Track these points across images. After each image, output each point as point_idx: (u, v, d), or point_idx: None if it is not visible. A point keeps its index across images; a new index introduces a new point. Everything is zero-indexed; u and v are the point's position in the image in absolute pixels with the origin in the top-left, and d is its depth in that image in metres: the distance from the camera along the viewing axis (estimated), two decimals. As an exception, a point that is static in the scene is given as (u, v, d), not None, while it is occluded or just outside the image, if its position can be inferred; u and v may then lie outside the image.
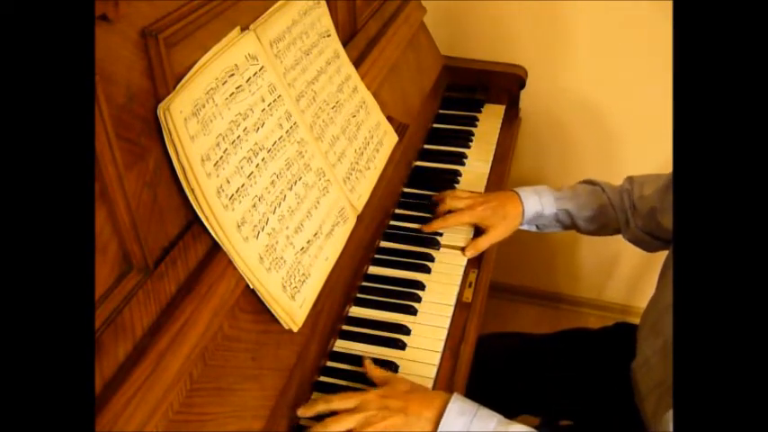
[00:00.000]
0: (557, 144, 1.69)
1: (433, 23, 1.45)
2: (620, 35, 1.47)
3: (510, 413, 1.04)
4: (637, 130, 1.60)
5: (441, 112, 1.45)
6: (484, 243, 1.09)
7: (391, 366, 0.89)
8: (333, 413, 0.79)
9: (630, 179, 1.11)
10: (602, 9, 1.45)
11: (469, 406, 0.78)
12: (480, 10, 1.53)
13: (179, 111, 0.66)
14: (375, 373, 0.86)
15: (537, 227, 1.17)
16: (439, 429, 0.76)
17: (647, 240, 1.09)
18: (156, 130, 0.66)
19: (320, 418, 0.80)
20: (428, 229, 1.11)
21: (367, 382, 0.86)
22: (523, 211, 1.11)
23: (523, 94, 1.50)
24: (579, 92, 1.59)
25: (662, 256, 1.01)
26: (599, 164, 1.68)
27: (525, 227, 1.15)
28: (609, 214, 1.11)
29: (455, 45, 1.55)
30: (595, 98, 1.59)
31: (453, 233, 1.12)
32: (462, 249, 1.08)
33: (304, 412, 0.81)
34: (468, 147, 1.34)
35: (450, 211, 1.11)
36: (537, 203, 1.11)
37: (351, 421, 0.77)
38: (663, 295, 0.91)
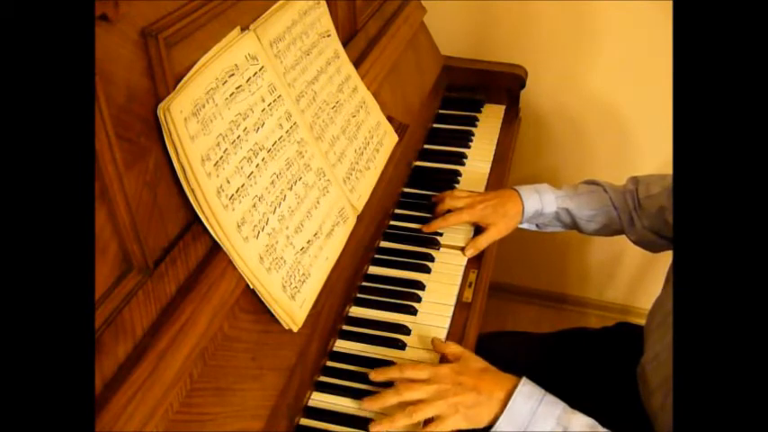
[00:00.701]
0: (557, 145, 1.69)
1: (433, 23, 1.46)
2: (620, 34, 1.47)
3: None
4: (641, 129, 1.60)
5: (441, 112, 1.45)
6: (483, 241, 1.09)
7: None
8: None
9: (635, 179, 1.11)
10: (602, 8, 1.45)
11: (537, 391, 0.80)
12: (481, 10, 1.54)
13: (179, 111, 0.66)
14: (450, 348, 0.87)
15: (537, 225, 1.17)
16: (506, 410, 0.78)
17: (653, 240, 1.09)
18: (156, 130, 0.66)
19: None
20: (428, 229, 1.11)
21: (367, 382, 0.86)
22: (523, 209, 1.11)
23: (524, 94, 1.50)
24: (579, 92, 1.59)
25: (665, 255, 1.01)
26: (601, 164, 1.68)
27: (525, 225, 1.15)
28: (611, 215, 1.11)
29: (455, 45, 1.55)
30: (597, 98, 1.59)
31: (453, 233, 1.12)
32: (462, 249, 1.08)
33: (376, 376, 0.84)
34: (468, 147, 1.34)
35: (449, 211, 1.11)
36: (537, 201, 1.11)
37: (423, 391, 0.79)
38: (670, 294, 0.91)
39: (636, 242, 1.13)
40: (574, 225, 1.15)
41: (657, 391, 0.86)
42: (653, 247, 1.11)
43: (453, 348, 0.88)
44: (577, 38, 1.51)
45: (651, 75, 1.48)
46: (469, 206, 1.10)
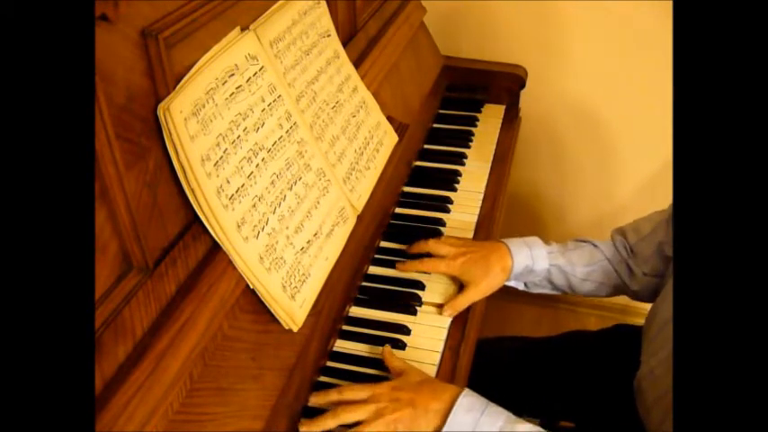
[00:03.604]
0: (557, 144, 1.69)
1: (433, 23, 1.46)
2: (620, 35, 1.48)
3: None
4: (635, 132, 1.60)
5: (441, 112, 1.45)
6: (462, 302, 0.99)
7: (391, 366, 0.89)
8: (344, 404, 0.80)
9: (620, 229, 1.06)
10: (602, 9, 1.45)
11: (479, 402, 0.78)
12: (481, 10, 1.54)
13: (179, 111, 0.66)
14: (393, 362, 0.86)
15: (525, 284, 1.09)
16: (447, 424, 0.76)
17: (657, 285, 1.01)
18: (156, 130, 0.66)
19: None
20: (403, 268, 1.04)
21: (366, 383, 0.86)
22: (512, 265, 1.02)
23: (524, 94, 1.50)
24: (580, 92, 1.59)
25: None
26: (602, 163, 1.68)
27: (513, 283, 1.07)
28: (606, 269, 1.04)
29: (455, 45, 1.55)
30: (595, 99, 1.59)
31: (453, 234, 1.12)
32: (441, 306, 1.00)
33: (316, 401, 0.83)
34: (468, 147, 1.34)
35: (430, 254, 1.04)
36: (527, 257, 1.03)
37: (362, 412, 0.78)
38: (664, 306, 0.89)
39: (638, 294, 1.05)
40: (567, 286, 1.07)
41: (654, 409, 0.85)
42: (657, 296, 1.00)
43: (396, 363, 0.86)
44: (578, 38, 1.51)
45: (651, 75, 1.48)
46: (451, 257, 1.02)
